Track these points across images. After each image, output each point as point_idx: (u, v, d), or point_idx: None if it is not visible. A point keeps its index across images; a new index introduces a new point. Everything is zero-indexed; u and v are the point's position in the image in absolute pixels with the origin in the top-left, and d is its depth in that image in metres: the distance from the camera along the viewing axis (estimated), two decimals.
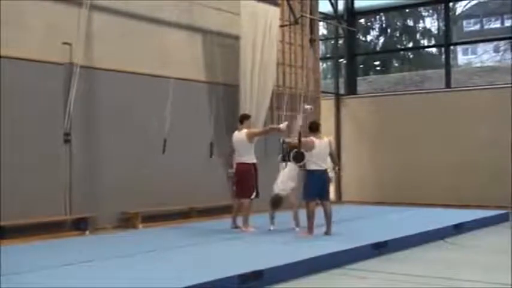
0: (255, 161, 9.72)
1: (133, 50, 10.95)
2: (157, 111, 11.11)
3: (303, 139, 8.98)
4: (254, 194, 9.65)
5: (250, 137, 9.66)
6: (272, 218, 9.59)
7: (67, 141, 9.91)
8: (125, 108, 10.76)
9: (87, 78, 10.19)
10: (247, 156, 9.63)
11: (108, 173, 10.45)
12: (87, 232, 9.81)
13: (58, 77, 9.82)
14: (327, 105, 16.13)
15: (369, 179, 16.06)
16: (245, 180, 9.60)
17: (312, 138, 9.01)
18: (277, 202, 9.34)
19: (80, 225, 9.88)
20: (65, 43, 9.90)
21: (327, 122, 15.46)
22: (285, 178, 9.38)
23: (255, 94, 12.52)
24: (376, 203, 14.94)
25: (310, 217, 8.87)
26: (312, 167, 8.93)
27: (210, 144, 12.05)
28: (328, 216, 9.04)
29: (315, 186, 8.93)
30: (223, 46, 12.63)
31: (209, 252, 7.71)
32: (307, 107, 10.02)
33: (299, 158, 8.98)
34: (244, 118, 9.98)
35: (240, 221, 9.69)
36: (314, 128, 9.16)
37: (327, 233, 8.99)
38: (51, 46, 9.72)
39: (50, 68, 9.70)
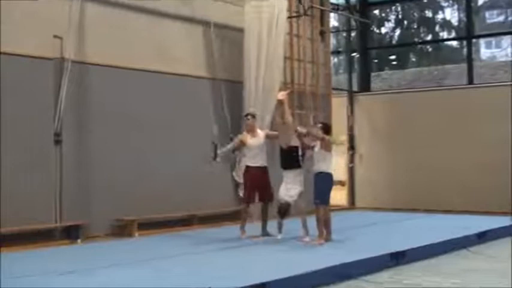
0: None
1: (129, 44, 10.90)
2: (154, 109, 11.08)
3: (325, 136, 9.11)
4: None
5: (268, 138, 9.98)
6: (280, 226, 9.54)
7: (57, 142, 9.86)
8: (119, 106, 10.70)
9: (79, 74, 10.13)
10: (264, 158, 9.86)
11: (101, 177, 10.40)
12: (79, 241, 9.76)
13: (48, 72, 9.77)
14: (338, 103, 16.05)
15: (384, 183, 15.97)
16: (268, 184, 9.83)
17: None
18: (285, 209, 9.30)
19: (71, 234, 9.83)
20: (55, 36, 9.85)
21: (338, 121, 15.39)
22: (291, 183, 9.31)
23: (260, 91, 12.45)
24: (392, 209, 14.85)
25: (323, 222, 9.07)
26: (329, 169, 9.12)
27: (214, 145, 12.01)
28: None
29: (330, 190, 9.17)
30: (226, 40, 12.57)
31: (210, 262, 7.64)
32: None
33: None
34: (246, 116, 10.17)
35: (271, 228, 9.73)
36: (328, 129, 9.38)
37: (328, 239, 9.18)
38: (41, 40, 9.67)
39: (39, 63, 9.64)
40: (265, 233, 9.86)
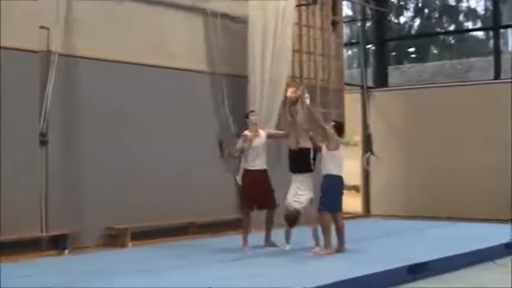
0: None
1: (122, 36, 10.93)
2: (150, 107, 11.11)
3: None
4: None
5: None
6: (288, 236, 9.56)
7: (43, 143, 9.90)
8: (111, 103, 10.73)
9: (68, 69, 10.17)
10: (264, 160, 9.87)
11: (91, 181, 10.43)
12: (66, 251, 9.79)
13: (33, 66, 9.82)
14: (351, 100, 16.05)
15: (401, 188, 15.96)
16: (270, 190, 9.86)
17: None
18: (293, 217, 9.30)
19: (58, 244, 9.86)
20: (41, 27, 9.88)
21: (351, 120, 15.38)
22: (300, 188, 9.32)
23: (266, 87, 12.46)
24: (410, 217, 14.84)
25: (330, 231, 9.09)
26: (340, 172, 9.15)
27: (219, 143, 12.10)
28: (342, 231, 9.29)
29: (341, 195, 9.17)
30: (229, 31, 12.59)
31: (209, 275, 7.65)
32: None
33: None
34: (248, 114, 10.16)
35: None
36: (341, 129, 9.44)
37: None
38: (25, 31, 9.70)
39: (23, 56, 9.68)
40: (269, 243, 9.88)
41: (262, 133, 9.97)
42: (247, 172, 9.89)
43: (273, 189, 9.90)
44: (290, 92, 9.67)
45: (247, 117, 10.06)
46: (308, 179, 9.37)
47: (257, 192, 9.75)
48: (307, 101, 9.42)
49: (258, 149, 9.79)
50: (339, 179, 9.18)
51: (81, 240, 10.24)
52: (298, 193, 9.30)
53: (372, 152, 15.78)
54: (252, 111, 10.37)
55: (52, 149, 10.00)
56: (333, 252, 9.10)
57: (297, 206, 9.26)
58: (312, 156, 9.39)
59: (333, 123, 9.54)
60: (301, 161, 9.38)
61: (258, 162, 9.79)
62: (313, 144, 9.42)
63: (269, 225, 9.97)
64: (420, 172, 15.79)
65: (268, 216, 9.96)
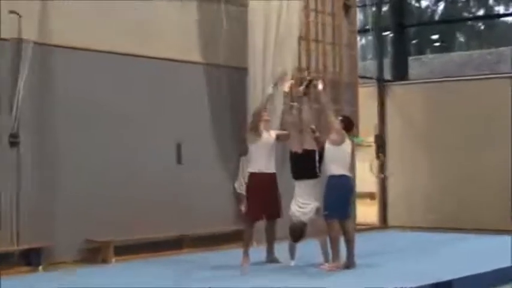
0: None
1: (105, 22, 10.91)
2: (135, 103, 11.10)
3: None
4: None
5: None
6: (292, 250, 9.58)
7: (14, 144, 9.88)
8: (92, 99, 10.72)
9: (42, 59, 10.15)
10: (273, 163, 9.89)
11: (69, 188, 10.41)
12: (41, 268, 9.77)
13: (2, 57, 9.78)
14: (366, 95, 16.05)
15: (423, 195, 15.94)
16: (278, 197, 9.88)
17: None
18: (299, 230, 9.28)
19: (30, 259, 9.84)
20: (12, 12, 9.87)
21: (366, 117, 15.38)
22: (305, 197, 9.32)
23: (269, 79, 12.45)
24: (432, 229, 14.83)
25: (339, 242, 9.11)
26: (346, 171, 9.21)
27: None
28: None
29: (348, 199, 9.25)
30: (227, 16, 12.57)
31: None
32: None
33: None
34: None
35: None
36: (350, 125, 9.42)
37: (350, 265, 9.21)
38: None
39: None
40: (271, 258, 9.88)
41: (273, 132, 10.01)
42: (253, 176, 9.83)
43: (279, 197, 9.90)
44: (287, 87, 9.89)
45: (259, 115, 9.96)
46: (313, 185, 9.34)
47: (265, 199, 9.68)
48: (320, 86, 9.43)
49: (267, 148, 9.77)
50: (345, 179, 9.16)
51: (57, 255, 10.21)
52: (303, 202, 9.28)
53: (381, 155, 15.84)
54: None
55: (24, 151, 9.96)
56: (341, 267, 9.09)
57: (302, 217, 9.24)
58: (317, 158, 9.36)
59: (340, 117, 9.51)
60: (306, 166, 9.36)
61: (266, 165, 9.75)
62: (319, 145, 9.40)
63: (271, 238, 9.97)
64: (444, 178, 15.77)
65: (271, 228, 9.96)
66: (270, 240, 9.97)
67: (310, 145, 9.43)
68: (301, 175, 9.39)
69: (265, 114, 9.98)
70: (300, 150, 9.44)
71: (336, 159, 9.12)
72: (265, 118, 9.94)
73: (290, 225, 9.33)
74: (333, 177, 9.09)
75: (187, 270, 9.52)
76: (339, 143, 9.15)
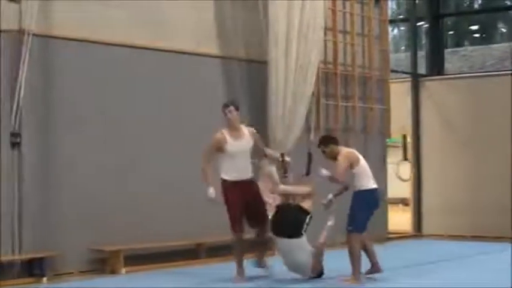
0: None
1: (113, 12, 10.94)
2: (144, 99, 11.12)
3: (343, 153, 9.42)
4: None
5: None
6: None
7: (15, 144, 9.93)
8: (100, 95, 10.76)
9: (45, 53, 10.20)
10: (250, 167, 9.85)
11: (75, 192, 10.44)
12: (45, 279, 9.81)
13: (1, 50, 9.82)
14: (399, 91, 16.01)
15: (461, 201, 15.87)
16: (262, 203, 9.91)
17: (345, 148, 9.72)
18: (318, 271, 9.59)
19: (34, 269, 9.87)
20: (10, 0, 9.92)
21: (398, 115, 15.34)
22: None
23: (292, 74, 12.45)
24: (473, 238, 14.80)
25: (359, 257, 9.30)
26: (363, 184, 9.42)
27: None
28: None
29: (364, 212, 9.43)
30: (246, 7, 12.59)
31: None
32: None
33: None
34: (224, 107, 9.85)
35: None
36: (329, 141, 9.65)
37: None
38: None
39: None
40: (262, 265, 9.94)
41: (247, 133, 9.79)
42: (227, 184, 9.66)
43: (264, 201, 9.94)
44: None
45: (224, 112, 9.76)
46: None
47: (247, 208, 9.66)
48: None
49: (241, 153, 9.63)
50: (362, 193, 9.40)
51: (63, 265, 10.24)
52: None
53: (406, 159, 15.83)
54: (228, 104, 9.86)
55: (26, 152, 10.00)
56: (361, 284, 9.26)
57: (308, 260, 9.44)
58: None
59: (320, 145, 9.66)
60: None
61: (243, 170, 9.66)
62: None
63: (262, 246, 9.93)
64: (485, 182, 15.68)
65: (261, 235, 9.89)
66: (261, 249, 10.02)
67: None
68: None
69: (230, 116, 9.68)
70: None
71: (358, 177, 9.45)
72: (231, 118, 9.69)
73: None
74: (356, 192, 9.41)
75: (202, 282, 9.55)
76: (354, 165, 9.42)
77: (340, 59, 14.11)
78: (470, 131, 16.04)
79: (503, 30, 21.95)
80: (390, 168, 15.90)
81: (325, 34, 13.39)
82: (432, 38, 17.28)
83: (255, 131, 9.91)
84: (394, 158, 16.62)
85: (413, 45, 17.37)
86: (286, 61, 12.40)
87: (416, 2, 17.69)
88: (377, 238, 14.01)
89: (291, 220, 9.46)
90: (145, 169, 11.13)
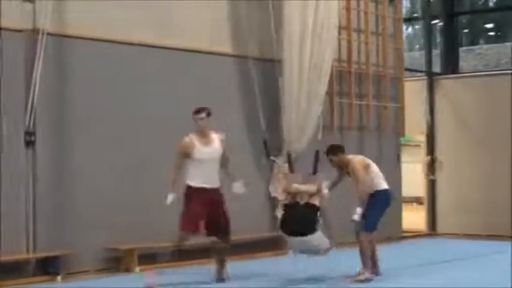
0: None
1: (127, 11, 10.95)
2: (159, 98, 11.13)
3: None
4: None
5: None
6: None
7: (30, 143, 9.96)
8: (113, 95, 10.78)
9: (59, 52, 10.23)
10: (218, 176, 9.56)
11: (89, 190, 10.47)
12: (59, 277, 9.83)
13: (16, 49, 9.87)
14: (413, 89, 15.97)
15: (476, 199, 15.81)
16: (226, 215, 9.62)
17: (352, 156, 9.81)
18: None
19: (48, 268, 9.91)
20: (25, 0, 9.95)
21: (413, 114, 15.30)
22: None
23: (306, 73, 12.45)
24: (488, 237, 14.77)
25: (369, 255, 9.57)
26: (383, 185, 9.64)
27: (264, 142, 12.28)
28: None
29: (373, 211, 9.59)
30: (260, 6, 12.58)
31: None
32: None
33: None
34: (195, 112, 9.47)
35: None
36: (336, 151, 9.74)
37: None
38: (6, 6, 9.74)
39: (4, 36, 9.72)
40: (222, 276, 9.63)
41: (217, 140, 9.47)
42: (193, 191, 9.31)
43: (228, 213, 9.60)
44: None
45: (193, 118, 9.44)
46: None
47: (208, 216, 9.35)
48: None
49: (210, 160, 9.29)
50: (382, 193, 9.63)
51: (77, 264, 10.26)
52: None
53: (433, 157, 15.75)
54: (197, 110, 9.47)
55: (40, 151, 10.04)
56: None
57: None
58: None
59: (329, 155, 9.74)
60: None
61: (211, 178, 9.35)
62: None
63: (222, 256, 9.66)
64: (500, 181, 15.62)
65: (221, 246, 9.62)
66: (221, 260, 9.71)
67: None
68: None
69: (201, 122, 9.37)
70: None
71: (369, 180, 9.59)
72: (201, 124, 9.38)
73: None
74: (375, 193, 9.58)
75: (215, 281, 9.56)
76: (364, 173, 9.54)
77: (354, 58, 14.09)
78: (485, 129, 15.98)
79: None
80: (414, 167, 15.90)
81: (339, 33, 13.39)
82: (447, 36, 17.23)
83: (224, 138, 9.52)
84: (415, 156, 16.54)
85: (428, 43, 17.33)
86: (300, 60, 12.42)
87: (431, 0, 17.65)
88: (391, 237, 14.05)
89: (300, 218, 9.39)
90: (159, 168, 11.12)
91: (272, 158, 12.33)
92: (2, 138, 9.75)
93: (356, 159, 9.62)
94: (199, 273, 10.14)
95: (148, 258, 10.82)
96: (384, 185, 9.62)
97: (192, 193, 9.27)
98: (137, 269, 10.59)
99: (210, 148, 9.32)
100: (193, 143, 9.26)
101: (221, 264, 9.65)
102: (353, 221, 9.32)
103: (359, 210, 9.24)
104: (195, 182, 9.27)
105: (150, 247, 10.90)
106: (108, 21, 10.72)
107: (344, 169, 9.63)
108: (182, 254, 11.17)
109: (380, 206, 9.55)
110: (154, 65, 11.22)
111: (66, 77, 10.38)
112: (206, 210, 9.27)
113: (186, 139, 9.29)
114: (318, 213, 9.38)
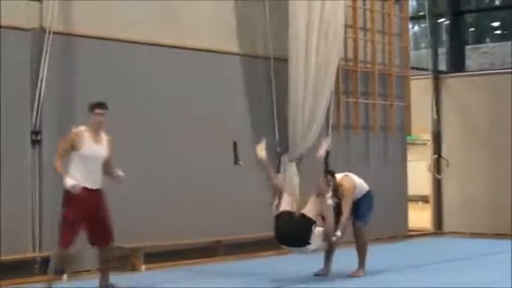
0: None
1: (134, 10, 10.97)
2: (164, 97, 11.14)
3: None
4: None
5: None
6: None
7: (35, 142, 9.99)
8: (117, 93, 10.77)
9: (66, 51, 10.25)
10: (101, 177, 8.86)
11: None
12: (65, 276, 9.82)
13: (22, 48, 9.89)
14: (419, 88, 15.95)
15: (483, 198, 15.81)
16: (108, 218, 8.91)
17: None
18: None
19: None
20: None
21: (419, 113, 15.29)
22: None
23: (312, 71, 12.44)
24: (494, 235, 14.76)
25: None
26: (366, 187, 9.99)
27: (234, 145, 12.17)
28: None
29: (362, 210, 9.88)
30: (266, 4, 12.56)
31: None
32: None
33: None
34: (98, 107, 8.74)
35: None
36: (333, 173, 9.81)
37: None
38: (13, 5, 9.75)
39: (10, 35, 9.74)
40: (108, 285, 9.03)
41: (105, 141, 8.87)
42: (72, 194, 8.47)
43: (110, 217, 8.92)
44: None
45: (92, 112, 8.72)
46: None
47: (89, 221, 8.68)
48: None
49: (97, 159, 8.73)
50: (369, 193, 9.92)
51: (83, 262, 10.25)
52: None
53: (440, 155, 15.72)
54: (98, 104, 8.76)
55: (46, 150, 10.03)
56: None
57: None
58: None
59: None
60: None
61: (95, 178, 8.72)
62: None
63: (106, 265, 9.02)
64: (507, 180, 15.59)
65: (103, 255, 8.98)
66: (105, 268, 9.00)
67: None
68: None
69: (99, 118, 8.69)
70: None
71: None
72: (100, 121, 8.71)
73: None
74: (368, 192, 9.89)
75: (221, 280, 9.60)
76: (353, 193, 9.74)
77: (361, 56, 14.10)
78: (491, 128, 15.97)
79: None
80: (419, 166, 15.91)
81: (345, 31, 13.39)
82: (453, 34, 17.21)
83: (111, 139, 8.91)
84: (422, 155, 16.52)
85: (433, 42, 17.29)
86: (306, 58, 12.42)
87: None
88: (397, 235, 14.06)
89: (294, 230, 9.31)
90: (165, 167, 11.15)
91: (240, 163, 12.11)
92: (9, 137, 9.75)
93: (347, 186, 9.62)
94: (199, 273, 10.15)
95: (155, 257, 10.82)
96: (367, 186, 9.90)
97: (70, 195, 8.46)
98: (143, 267, 10.61)
99: (98, 146, 8.69)
100: (84, 137, 8.56)
101: (105, 275, 8.96)
102: (335, 236, 9.34)
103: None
104: (77, 181, 8.44)
105: (156, 246, 10.91)
106: (115, 20, 10.74)
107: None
108: (188, 253, 11.22)
109: (372, 204, 9.85)
110: (161, 64, 11.23)
111: (72, 77, 10.39)
112: (85, 216, 8.57)
113: (77, 130, 8.59)
114: (313, 226, 9.25)
